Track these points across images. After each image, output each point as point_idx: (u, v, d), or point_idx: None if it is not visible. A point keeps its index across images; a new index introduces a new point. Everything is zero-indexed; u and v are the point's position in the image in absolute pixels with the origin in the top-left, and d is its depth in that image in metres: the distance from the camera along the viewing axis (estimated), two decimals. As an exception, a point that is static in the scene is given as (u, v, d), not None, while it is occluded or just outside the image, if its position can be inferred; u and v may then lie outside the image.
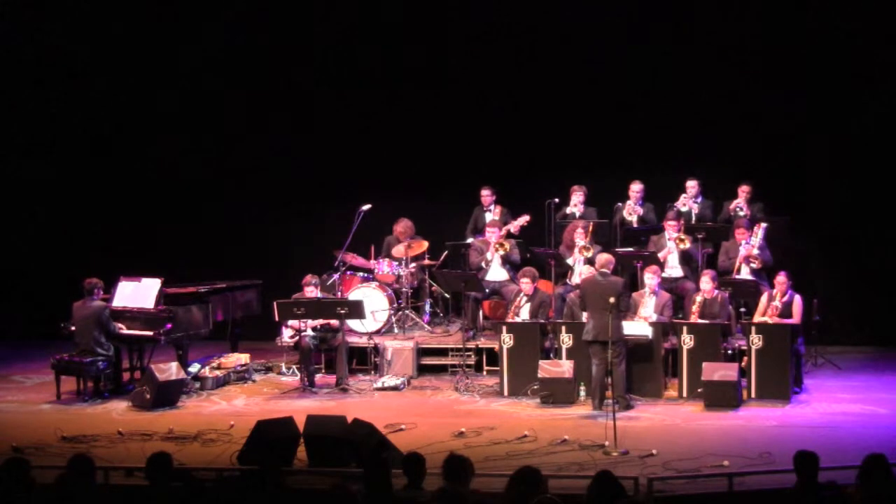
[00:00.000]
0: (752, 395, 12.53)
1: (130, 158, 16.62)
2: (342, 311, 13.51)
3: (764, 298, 13.01)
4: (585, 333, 12.23)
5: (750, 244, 13.76)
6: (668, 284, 13.79)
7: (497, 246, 14.35)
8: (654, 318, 12.86)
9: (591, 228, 14.26)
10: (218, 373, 13.67)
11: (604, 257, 12.57)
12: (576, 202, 14.91)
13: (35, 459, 9.02)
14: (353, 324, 14.26)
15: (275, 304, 13.46)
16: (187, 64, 16.38)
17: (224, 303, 14.14)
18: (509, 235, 14.70)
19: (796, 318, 12.87)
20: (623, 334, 12.22)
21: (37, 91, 16.70)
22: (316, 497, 7.53)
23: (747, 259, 13.74)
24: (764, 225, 13.86)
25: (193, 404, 12.83)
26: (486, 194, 15.17)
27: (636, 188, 14.90)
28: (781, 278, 12.94)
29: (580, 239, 14.08)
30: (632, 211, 14.83)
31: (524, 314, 13.41)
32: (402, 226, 14.99)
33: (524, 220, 14.84)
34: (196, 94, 16.38)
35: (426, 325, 15.03)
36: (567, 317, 13.25)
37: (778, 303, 12.82)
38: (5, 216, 16.75)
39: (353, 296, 14.43)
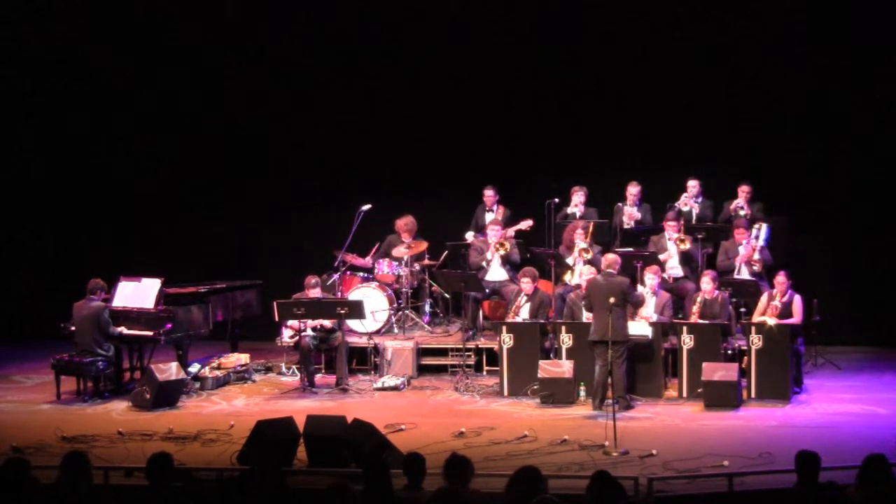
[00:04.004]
0: (752, 395, 12.53)
1: (130, 158, 16.63)
2: (342, 311, 13.51)
3: (764, 298, 13.01)
4: (591, 334, 12.22)
5: (751, 245, 13.77)
6: (668, 285, 13.79)
7: (497, 246, 14.35)
8: (654, 318, 12.86)
9: (590, 229, 14.26)
10: (218, 373, 13.67)
11: (609, 257, 12.54)
12: (576, 202, 14.90)
13: (35, 459, 8.99)
14: (353, 324, 14.26)
15: (275, 304, 13.46)
16: (186, 62, 16.38)
17: (224, 303, 14.14)
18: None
19: (796, 317, 12.87)
20: (628, 334, 12.23)
21: (35, 91, 16.72)
22: (316, 497, 7.51)
23: (748, 261, 13.75)
24: (766, 225, 13.87)
25: (193, 404, 12.83)
26: (489, 194, 15.15)
27: (633, 190, 14.90)
28: (781, 278, 12.94)
29: (580, 240, 14.07)
30: (629, 217, 14.80)
31: (524, 314, 13.40)
32: (406, 220, 14.96)
33: (526, 224, 14.83)
34: (195, 93, 16.39)
35: (426, 325, 15.03)
36: (567, 317, 13.25)
37: (778, 303, 12.82)
38: (5, 216, 16.76)
39: (353, 296, 14.43)
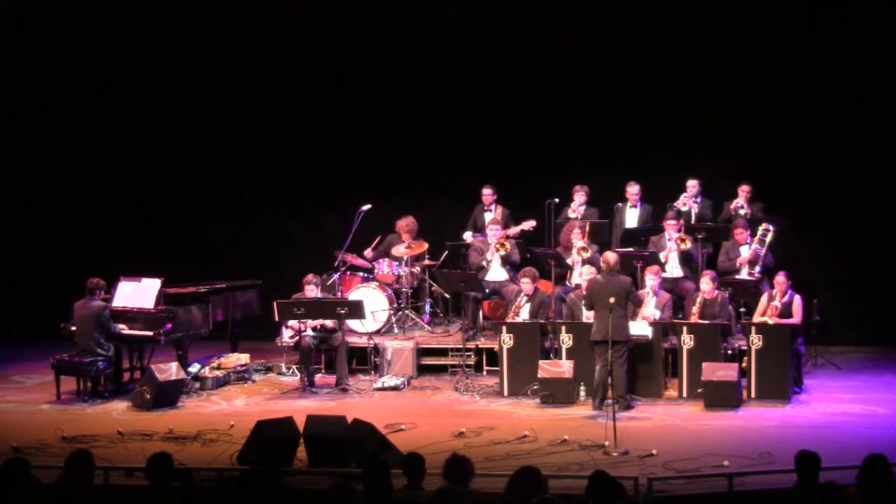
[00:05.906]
0: (752, 395, 12.53)
1: (130, 158, 16.63)
2: (342, 311, 13.51)
3: (764, 298, 13.01)
4: (594, 334, 12.21)
5: (752, 248, 13.77)
6: (668, 285, 13.79)
7: (497, 246, 14.35)
8: (657, 314, 12.83)
9: (587, 229, 14.25)
10: (218, 373, 13.66)
11: (611, 257, 12.51)
12: (578, 202, 14.85)
13: (35, 459, 8.99)
14: (353, 324, 14.26)
15: (275, 304, 13.46)
16: (187, 63, 16.38)
17: (224, 303, 14.14)
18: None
19: (796, 318, 12.87)
20: (629, 334, 12.22)
21: (35, 93, 16.72)
22: (316, 497, 7.52)
23: (751, 263, 13.75)
24: (772, 229, 13.84)
25: (193, 404, 12.82)
26: (487, 193, 15.14)
27: (633, 190, 14.89)
28: (781, 278, 12.94)
29: (578, 240, 14.08)
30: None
31: (524, 314, 13.40)
32: (406, 221, 14.97)
33: (529, 224, 14.81)
34: (195, 92, 16.39)
35: (426, 325, 15.02)
36: (567, 317, 13.25)
37: (778, 303, 12.82)
38: (6, 215, 16.76)
39: (353, 296, 14.43)
